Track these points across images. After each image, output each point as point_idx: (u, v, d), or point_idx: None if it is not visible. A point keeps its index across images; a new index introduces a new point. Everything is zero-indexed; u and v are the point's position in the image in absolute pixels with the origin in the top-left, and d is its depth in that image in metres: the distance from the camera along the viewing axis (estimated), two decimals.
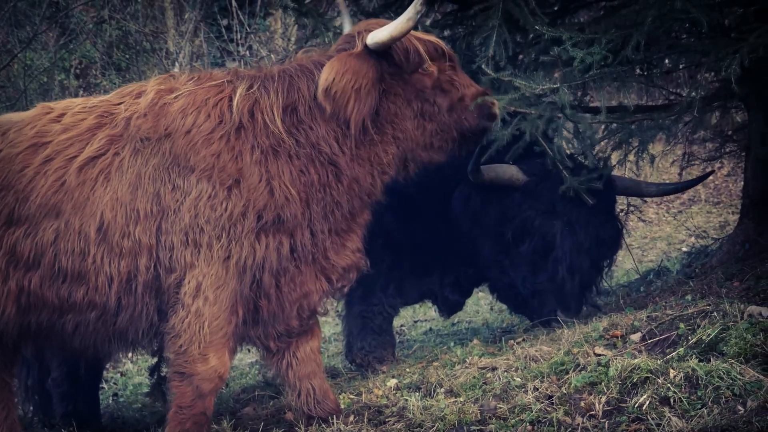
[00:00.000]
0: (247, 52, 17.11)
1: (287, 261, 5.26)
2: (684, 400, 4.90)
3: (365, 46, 5.28)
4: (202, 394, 5.26)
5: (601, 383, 5.22)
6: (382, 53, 5.31)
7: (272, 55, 16.99)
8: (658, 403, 4.93)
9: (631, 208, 9.57)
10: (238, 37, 17.02)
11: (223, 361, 5.28)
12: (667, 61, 7.31)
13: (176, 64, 19.08)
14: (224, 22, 17.31)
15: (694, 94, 6.33)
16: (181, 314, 5.19)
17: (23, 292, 5.34)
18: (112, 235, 5.22)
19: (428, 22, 7.75)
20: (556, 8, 7.19)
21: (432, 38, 5.53)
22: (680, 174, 13.37)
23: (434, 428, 5.16)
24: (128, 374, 9.76)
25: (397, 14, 5.60)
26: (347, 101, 5.16)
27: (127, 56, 20.01)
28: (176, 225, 5.17)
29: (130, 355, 5.99)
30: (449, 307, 8.02)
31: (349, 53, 5.26)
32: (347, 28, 5.84)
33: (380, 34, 5.23)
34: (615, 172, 8.35)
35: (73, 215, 5.27)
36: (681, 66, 7.82)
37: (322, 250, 5.38)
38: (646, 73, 7.35)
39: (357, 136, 5.30)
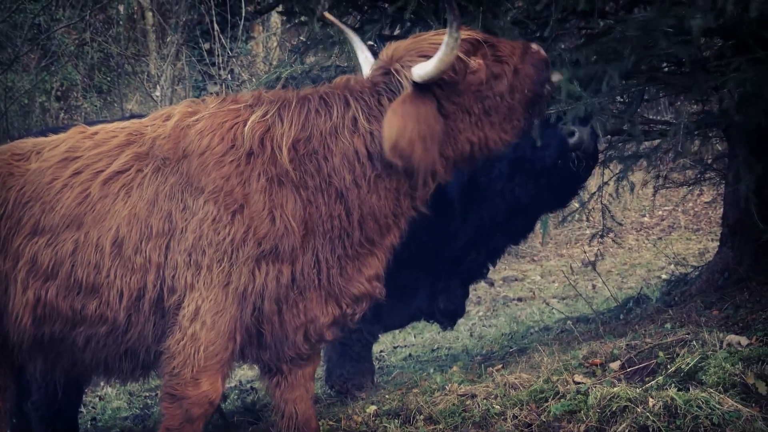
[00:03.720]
0: (229, 76, 17.13)
1: (288, 289, 5.20)
2: (663, 429, 4.91)
3: (413, 83, 5.04)
4: (191, 419, 5.23)
5: (580, 411, 5.23)
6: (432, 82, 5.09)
7: (254, 79, 17.01)
8: None
9: (609, 233, 9.58)
10: (220, 60, 17.04)
11: (215, 387, 5.24)
12: (646, 90, 7.33)
13: (158, 87, 19.10)
14: (206, 45, 17.33)
15: (677, 122, 6.36)
16: (177, 336, 5.15)
17: (39, 302, 5.33)
18: (125, 250, 5.21)
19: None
20: (538, 35, 7.19)
21: (461, 34, 5.12)
22: (653, 196, 13.45)
23: None
24: (107, 398, 9.70)
25: None
26: (415, 152, 4.93)
27: (109, 79, 20.06)
28: (181, 245, 5.15)
29: (144, 379, 5.90)
30: (449, 316, 7.80)
31: (402, 100, 5.00)
32: (363, 53, 5.64)
33: (427, 68, 4.98)
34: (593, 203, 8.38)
35: (92, 227, 5.28)
36: (661, 95, 7.85)
37: (328, 277, 5.28)
38: (626, 102, 7.38)
39: (425, 177, 5.19)
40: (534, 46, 5.34)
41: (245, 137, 5.20)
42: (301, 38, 7.80)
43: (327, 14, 5.83)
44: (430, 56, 5.01)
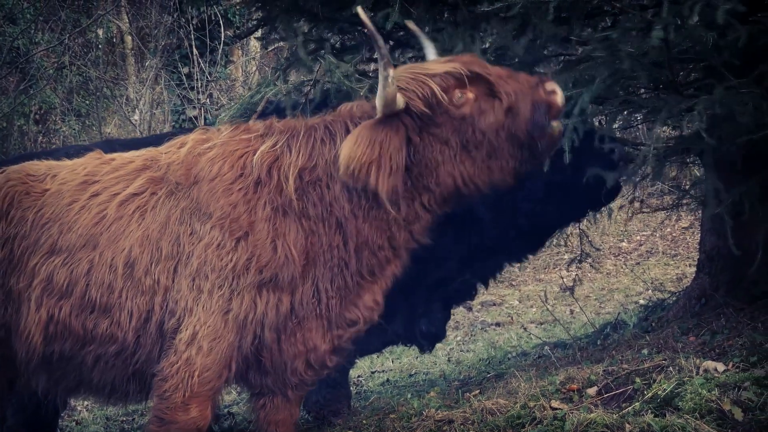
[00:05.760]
0: (208, 100, 17.15)
1: (286, 318, 5.22)
2: None
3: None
4: None
5: None
6: (401, 111, 5.05)
7: (232, 103, 17.03)
8: None
9: (587, 258, 9.58)
10: (199, 84, 17.05)
11: (204, 415, 5.23)
12: (624, 113, 7.35)
13: (136, 110, 19.09)
14: (185, 69, 17.35)
15: (651, 148, 6.36)
16: (172, 359, 5.15)
17: (52, 320, 5.36)
18: (137, 271, 5.25)
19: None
20: (516, 61, 7.21)
21: (448, 67, 5.11)
22: (629, 219, 13.45)
23: None
24: (84, 422, 9.64)
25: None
26: (369, 175, 4.94)
27: (87, 102, 20.02)
28: (187, 269, 5.18)
29: (146, 402, 5.86)
30: (430, 340, 7.77)
31: (364, 124, 5.05)
32: (430, 49, 5.58)
33: (377, 102, 5.01)
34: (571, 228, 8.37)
35: (107, 247, 5.32)
36: (638, 118, 7.88)
37: (328, 306, 5.30)
38: (603, 126, 7.40)
39: (390, 204, 5.11)
40: (548, 85, 5.16)
41: (254, 166, 5.25)
42: (282, 60, 7.78)
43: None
44: (401, 87, 5.04)
